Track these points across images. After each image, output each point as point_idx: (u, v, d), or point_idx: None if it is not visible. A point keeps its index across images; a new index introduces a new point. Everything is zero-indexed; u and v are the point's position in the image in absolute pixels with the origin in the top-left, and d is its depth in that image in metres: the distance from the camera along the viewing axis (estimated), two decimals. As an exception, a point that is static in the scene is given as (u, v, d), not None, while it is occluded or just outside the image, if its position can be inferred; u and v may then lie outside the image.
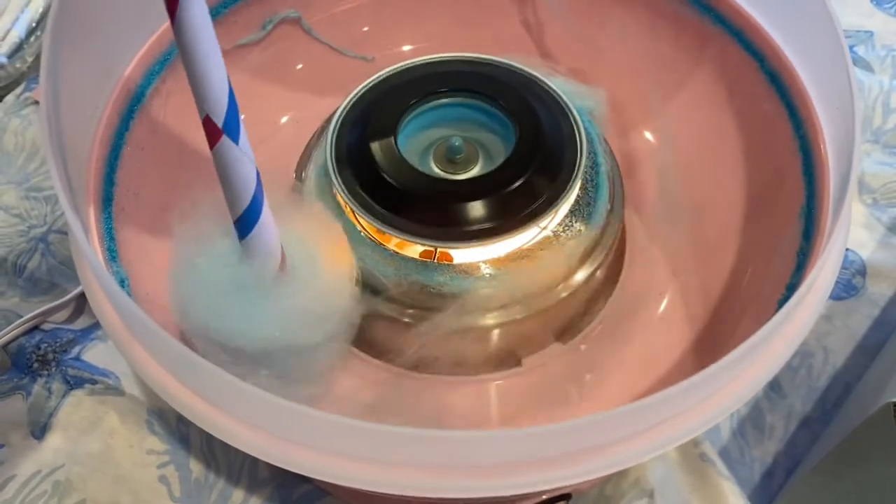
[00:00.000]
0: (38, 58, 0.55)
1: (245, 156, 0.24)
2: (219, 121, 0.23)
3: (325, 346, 0.29)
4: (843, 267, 0.42)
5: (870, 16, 0.53)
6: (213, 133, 0.23)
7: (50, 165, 0.25)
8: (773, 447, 0.38)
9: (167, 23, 0.35)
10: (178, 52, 0.22)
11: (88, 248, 0.23)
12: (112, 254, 0.29)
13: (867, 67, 0.50)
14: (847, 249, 0.43)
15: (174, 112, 0.35)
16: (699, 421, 0.25)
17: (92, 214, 0.29)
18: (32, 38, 0.55)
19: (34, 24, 0.55)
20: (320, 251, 0.29)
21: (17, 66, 0.53)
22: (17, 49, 0.53)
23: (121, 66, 0.34)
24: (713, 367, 0.23)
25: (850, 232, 0.43)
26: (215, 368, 0.22)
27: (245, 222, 0.25)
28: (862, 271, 0.42)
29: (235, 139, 0.24)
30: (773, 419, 0.38)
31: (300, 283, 0.28)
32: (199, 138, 0.35)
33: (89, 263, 0.25)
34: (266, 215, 0.26)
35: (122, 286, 0.28)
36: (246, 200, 0.25)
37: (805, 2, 0.31)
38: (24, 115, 0.50)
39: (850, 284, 0.42)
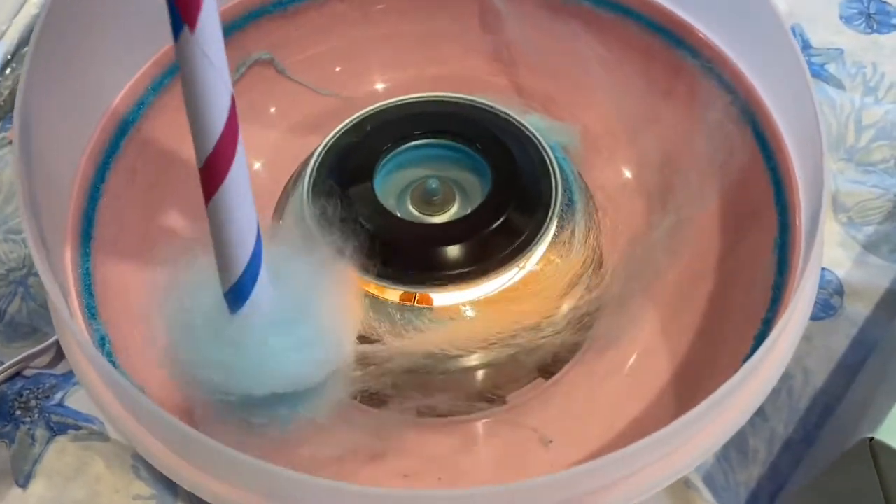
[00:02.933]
0: (12, 93, 0.55)
1: None
2: None
3: (324, 391, 0.28)
4: (821, 287, 0.43)
5: (839, 33, 0.54)
6: None
7: (25, 227, 0.26)
8: (756, 471, 0.38)
9: (142, 69, 0.35)
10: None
11: (73, 325, 0.23)
12: (91, 311, 0.29)
13: (839, 85, 0.51)
14: (824, 269, 0.43)
15: (149, 161, 0.35)
16: (677, 466, 0.25)
17: (70, 271, 0.29)
18: (8, 71, 0.55)
19: (9, 57, 0.55)
20: (320, 294, 0.28)
21: (-8, 99, 0.53)
22: (-8, 83, 0.53)
23: (97, 115, 0.34)
24: (687, 416, 0.23)
25: (827, 251, 0.43)
26: (198, 434, 0.22)
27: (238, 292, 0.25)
28: (839, 291, 0.43)
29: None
30: (755, 443, 0.39)
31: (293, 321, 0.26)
32: (172, 187, 0.36)
33: (76, 341, 0.25)
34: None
35: (103, 345, 0.28)
36: (241, 266, 0.24)
37: (772, 38, 0.32)
38: (1, 157, 0.50)
39: (827, 304, 0.43)
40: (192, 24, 0.19)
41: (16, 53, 0.55)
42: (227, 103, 0.21)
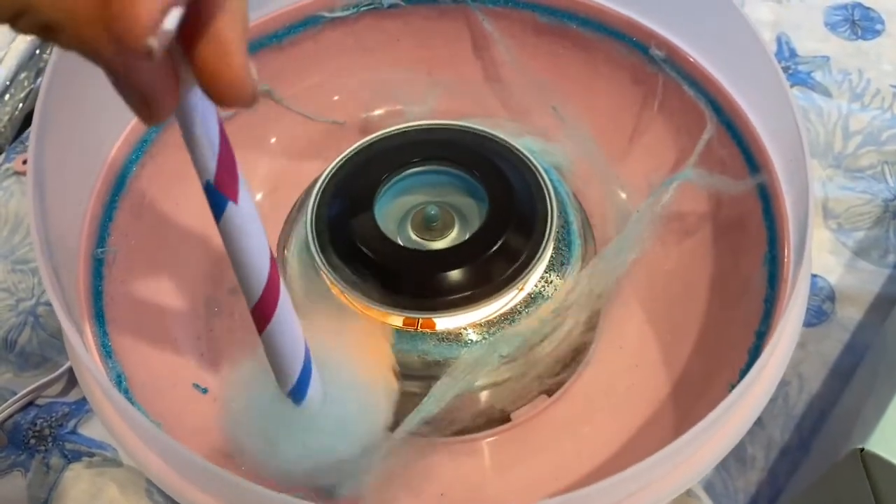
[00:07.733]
0: (11, 119, 0.55)
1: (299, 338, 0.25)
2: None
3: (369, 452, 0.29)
4: (813, 293, 0.44)
5: (825, 40, 0.55)
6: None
7: (44, 278, 0.26)
8: (755, 477, 0.39)
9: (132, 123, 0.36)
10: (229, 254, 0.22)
11: (95, 368, 0.24)
12: (107, 350, 0.30)
13: (825, 92, 0.52)
14: (815, 276, 0.44)
15: (149, 203, 0.36)
16: (681, 481, 0.26)
17: (85, 312, 0.30)
18: (7, 97, 0.56)
19: (8, 83, 0.56)
20: (358, 369, 0.29)
21: (-10, 128, 0.54)
22: (-10, 111, 0.54)
23: (104, 154, 0.34)
24: (688, 434, 0.24)
25: (818, 258, 0.44)
26: (213, 467, 0.23)
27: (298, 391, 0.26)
28: (831, 297, 0.44)
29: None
30: (753, 450, 0.39)
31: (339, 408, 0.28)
32: (171, 221, 0.36)
33: (99, 385, 0.25)
34: (315, 377, 0.26)
35: (120, 381, 0.29)
36: (296, 373, 0.25)
37: (754, 56, 0.33)
38: (6, 187, 0.50)
39: (820, 310, 0.43)
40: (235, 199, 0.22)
41: (14, 79, 0.56)
42: (267, 259, 0.23)
